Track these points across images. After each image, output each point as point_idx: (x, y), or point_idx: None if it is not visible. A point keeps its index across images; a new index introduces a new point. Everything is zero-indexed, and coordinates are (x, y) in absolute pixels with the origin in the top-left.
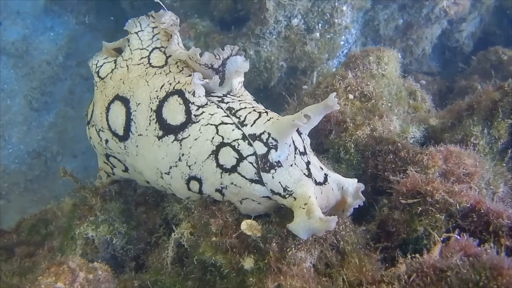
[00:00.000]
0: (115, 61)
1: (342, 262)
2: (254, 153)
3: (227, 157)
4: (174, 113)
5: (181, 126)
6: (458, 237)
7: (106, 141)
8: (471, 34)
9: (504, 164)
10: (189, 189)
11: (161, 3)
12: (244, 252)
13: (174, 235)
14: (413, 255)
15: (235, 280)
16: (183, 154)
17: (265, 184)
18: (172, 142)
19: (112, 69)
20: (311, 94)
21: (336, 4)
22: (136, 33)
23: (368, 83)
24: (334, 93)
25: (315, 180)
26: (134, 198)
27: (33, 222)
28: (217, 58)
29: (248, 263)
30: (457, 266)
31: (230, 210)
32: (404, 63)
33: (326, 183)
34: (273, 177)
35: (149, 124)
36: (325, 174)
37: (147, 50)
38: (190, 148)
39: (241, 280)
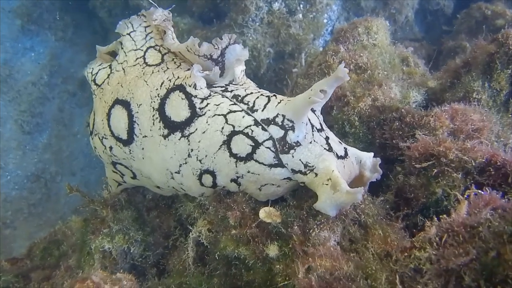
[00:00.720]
0: (110, 66)
1: (366, 236)
2: (271, 137)
3: (241, 146)
4: (177, 109)
5: (186, 122)
6: (481, 192)
7: (111, 148)
8: None
9: (510, 115)
10: (202, 184)
11: (152, 2)
12: (266, 240)
13: (192, 234)
14: (441, 216)
15: (261, 270)
16: (192, 150)
17: (286, 165)
18: (179, 139)
19: (108, 74)
20: (304, 75)
21: None
22: (129, 34)
23: (361, 54)
24: (343, 63)
25: (336, 154)
26: (145, 204)
27: (44, 245)
28: (216, 48)
29: (272, 250)
30: (487, 221)
31: (245, 200)
32: (390, 32)
33: (347, 157)
34: (293, 156)
35: (153, 124)
36: (344, 148)
37: (142, 50)
38: (199, 142)
39: (268, 269)
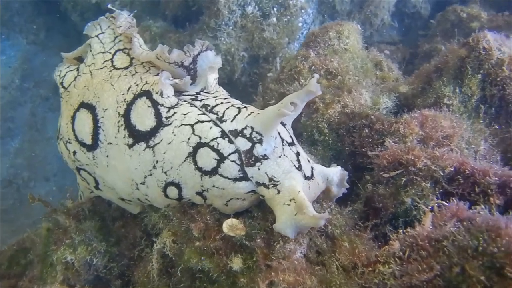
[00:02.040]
0: (77, 69)
1: (333, 247)
2: (237, 150)
3: (206, 159)
4: (142, 117)
5: (151, 132)
6: (446, 203)
7: (74, 152)
8: None
9: (481, 121)
10: (167, 196)
11: (112, 7)
12: (230, 253)
13: (157, 245)
14: (405, 230)
15: (226, 283)
16: (157, 161)
17: (251, 178)
18: (144, 150)
19: (75, 77)
20: (276, 80)
21: None
22: (97, 36)
23: (332, 59)
24: (316, 76)
25: (304, 174)
26: (110, 213)
27: (12, 253)
28: (187, 55)
29: (236, 263)
30: (452, 234)
31: (209, 211)
32: (366, 36)
33: (313, 177)
34: (259, 169)
35: (118, 131)
36: (311, 167)
37: (110, 53)
38: (164, 153)
39: (232, 282)
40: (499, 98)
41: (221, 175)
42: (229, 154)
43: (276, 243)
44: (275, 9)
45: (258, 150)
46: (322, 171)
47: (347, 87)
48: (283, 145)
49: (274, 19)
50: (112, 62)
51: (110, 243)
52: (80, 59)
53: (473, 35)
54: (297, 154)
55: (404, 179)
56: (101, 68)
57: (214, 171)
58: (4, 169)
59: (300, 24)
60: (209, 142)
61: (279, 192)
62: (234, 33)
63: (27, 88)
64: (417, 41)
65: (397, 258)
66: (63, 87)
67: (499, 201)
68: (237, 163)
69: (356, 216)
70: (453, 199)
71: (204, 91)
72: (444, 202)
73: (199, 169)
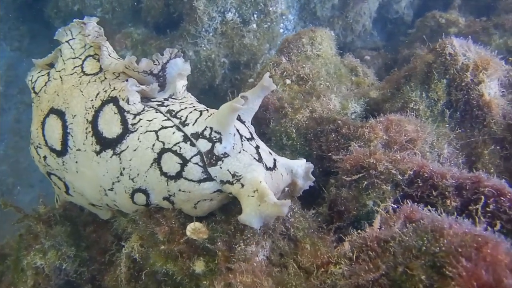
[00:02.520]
0: (48, 74)
1: (295, 250)
2: (198, 152)
3: (170, 164)
4: (109, 124)
5: (118, 139)
6: (394, 206)
7: (45, 157)
8: (410, 3)
9: (447, 125)
10: (134, 202)
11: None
12: (194, 256)
13: (125, 249)
14: (358, 231)
15: (189, 286)
16: (124, 168)
17: (214, 178)
18: (111, 157)
19: (46, 82)
20: (252, 86)
21: None
22: (67, 41)
23: (304, 65)
24: (268, 73)
25: (265, 165)
26: (82, 218)
27: None
28: (156, 64)
29: (199, 266)
30: (399, 235)
31: (175, 215)
32: (347, 41)
33: (275, 168)
34: (221, 167)
35: (86, 137)
36: (274, 159)
37: (80, 58)
38: (130, 160)
39: (195, 285)
40: (464, 102)
41: (185, 179)
42: (192, 157)
43: (237, 245)
44: (255, 15)
45: (218, 149)
46: (286, 163)
47: (317, 92)
48: (242, 141)
49: (254, 25)
50: (82, 68)
51: (81, 248)
52: (51, 66)
53: (439, 41)
54: (257, 147)
55: (365, 182)
56: (71, 74)
57: (178, 175)
58: None
59: (281, 31)
60: (172, 147)
61: (243, 186)
62: (214, 39)
63: (12, 95)
64: (398, 47)
65: (347, 259)
66: (34, 92)
67: (456, 203)
68: (199, 165)
69: (320, 219)
70: (407, 200)
71: (172, 97)
72: (392, 205)
73: (164, 174)
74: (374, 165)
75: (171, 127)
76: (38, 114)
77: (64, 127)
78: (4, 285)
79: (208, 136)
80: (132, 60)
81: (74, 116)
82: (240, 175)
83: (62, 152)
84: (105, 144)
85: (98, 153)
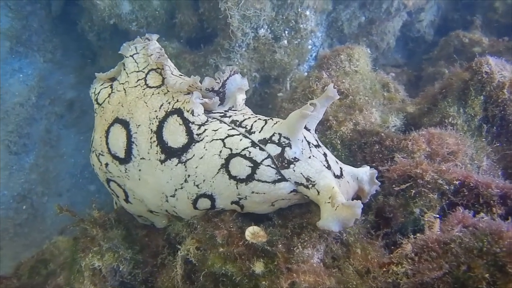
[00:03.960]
0: (111, 86)
1: (347, 253)
2: (269, 156)
3: (239, 167)
4: (174, 135)
5: (183, 148)
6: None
7: (107, 164)
8: (431, 23)
9: (484, 139)
10: (196, 208)
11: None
12: (253, 258)
13: (181, 252)
14: (416, 235)
15: (248, 286)
16: (189, 175)
17: (289, 179)
18: (176, 165)
19: (109, 94)
20: (289, 100)
21: (299, 10)
22: (132, 56)
23: (343, 80)
24: (332, 84)
25: (334, 173)
26: (134, 222)
27: (32, 264)
28: (218, 82)
29: (258, 267)
30: (459, 237)
31: (232, 219)
32: (372, 59)
33: (342, 176)
34: (294, 170)
35: (151, 147)
36: (340, 167)
37: (143, 72)
38: (196, 168)
39: (254, 285)
40: (500, 118)
41: (259, 180)
42: (263, 160)
43: (295, 248)
44: (286, 32)
45: (289, 153)
46: (351, 171)
47: (358, 106)
48: (310, 147)
49: (285, 41)
50: (145, 80)
51: (135, 251)
52: (112, 80)
53: (475, 59)
54: (325, 155)
55: (413, 191)
56: (135, 86)
57: (250, 178)
58: (18, 184)
59: (309, 47)
60: (241, 151)
61: (319, 193)
62: (246, 54)
63: (43, 106)
64: (420, 65)
65: (409, 259)
66: (98, 103)
67: (501, 211)
68: (272, 167)
69: (368, 226)
70: (459, 207)
71: (232, 109)
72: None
73: (233, 178)
74: (421, 175)
75: (237, 135)
76: (102, 123)
77: (129, 136)
78: (52, 287)
79: (277, 141)
80: (196, 80)
81: (139, 126)
82: (314, 181)
83: (125, 159)
84: (170, 153)
85: (163, 161)
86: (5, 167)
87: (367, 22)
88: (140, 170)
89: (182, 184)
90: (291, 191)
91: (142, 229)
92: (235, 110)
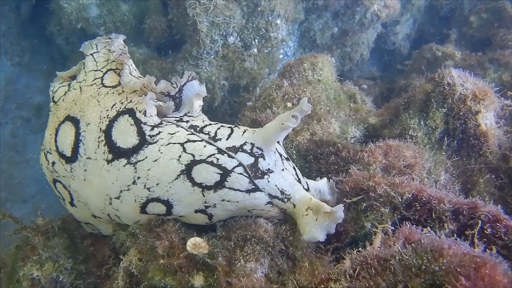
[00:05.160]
0: (69, 85)
1: (293, 268)
2: (240, 164)
3: (206, 174)
4: (125, 135)
5: (134, 149)
6: (392, 228)
7: (53, 163)
8: (407, 36)
9: (444, 153)
10: (144, 212)
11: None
12: (193, 270)
13: (123, 263)
14: (358, 249)
15: None
16: (138, 177)
17: (262, 189)
18: (124, 166)
19: (65, 92)
20: (252, 108)
21: (270, 18)
22: (92, 54)
23: (305, 89)
24: (306, 98)
25: (303, 186)
26: (80, 231)
27: None
28: (174, 86)
29: (198, 281)
30: (399, 253)
31: (175, 230)
32: (345, 70)
33: (309, 190)
34: (268, 181)
35: (98, 146)
36: (306, 181)
37: (101, 71)
38: (148, 170)
39: None
40: (461, 131)
41: (230, 188)
42: (234, 167)
43: (237, 261)
44: (256, 40)
45: (263, 164)
46: (314, 185)
47: (317, 116)
48: (282, 160)
49: (255, 50)
50: (102, 80)
51: (78, 261)
52: (73, 78)
53: (438, 70)
54: (294, 168)
55: (364, 204)
56: (91, 84)
57: (219, 185)
58: None
59: (281, 56)
60: (206, 158)
61: (295, 206)
62: (215, 62)
63: (9, 110)
64: (395, 77)
65: (347, 276)
66: (54, 101)
67: (453, 227)
68: (245, 175)
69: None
70: (406, 222)
71: (188, 115)
72: (389, 227)
73: (198, 185)
74: (374, 188)
75: (200, 141)
76: (54, 121)
77: (77, 134)
78: None
79: (249, 151)
80: (151, 80)
81: (88, 124)
82: (289, 194)
83: (71, 158)
84: (119, 153)
85: (109, 161)
86: None
87: (340, 33)
88: (85, 170)
89: (129, 186)
90: (267, 203)
91: (88, 238)
92: (191, 116)
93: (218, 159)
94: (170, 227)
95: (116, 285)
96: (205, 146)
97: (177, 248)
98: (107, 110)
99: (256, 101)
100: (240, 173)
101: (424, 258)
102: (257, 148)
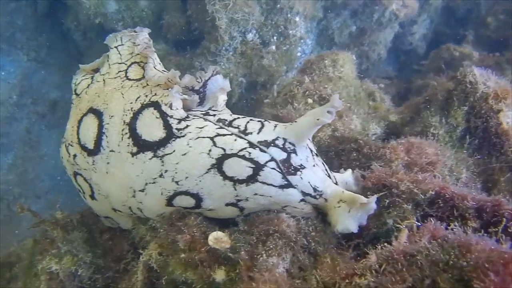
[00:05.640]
0: (92, 77)
1: (315, 264)
2: (272, 159)
3: (237, 168)
4: (150, 128)
5: (160, 142)
6: (418, 224)
7: (75, 156)
8: (423, 36)
9: (465, 151)
10: (170, 204)
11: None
12: (214, 265)
13: (142, 257)
14: (383, 245)
15: None
16: (166, 171)
17: (296, 186)
18: (150, 159)
19: (88, 85)
20: (271, 104)
21: (289, 15)
22: (116, 47)
23: (326, 86)
24: (337, 94)
25: (333, 181)
26: (98, 225)
27: None
28: (199, 81)
29: (219, 275)
30: (426, 249)
31: (197, 224)
32: (362, 69)
33: (337, 184)
34: (301, 178)
35: (122, 139)
36: (333, 175)
37: (126, 64)
38: (176, 164)
39: None
40: (483, 130)
41: (263, 183)
42: (266, 162)
43: (259, 256)
44: (275, 37)
45: (295, 159)
46: (341, 178)
47: (339, 112)
48: (312, 155)
49: (274, 47)
50: (126, 72)
51: (96, 255)
52: (96, 71)
53: (460, 69)
54: (323, 164)
55: (387, 201)
56: (115, 77)
57: (251, 179)
58: None
59: (298, 54)
60: (238, 152)
61: (326, 200)
62: (233, 58)
63: (24, 105)
64: (411, 77)
65: (373, 271)
66: (76, 93)
67: (476, 224)
68: (277, 171)
69: (339, 236)
70: (431, 219)
71: (212, 109)
72: (416, 223)
73: (229, 178)
74: (396, 184)
75: (230, 135)
76: (76, 113)
77: (100, 126)
78: None
79: (281, 146)
80: (175, 74)
81: (112, 116)
82: (321, 191)
83: (93, 151)
84: (144, 146)
85: (134, 154)
86: None
87: (358, 31)
88: (108, 163)
89: (155, 179)
90: (301, 200)
91: (107, 232)
92: (216, 110)
93: (250, 153)
94: (192, 221)
95: (135, 279)
96: (235, 140)
97: (198, 242)
98: (131, 103)
99: (277, 97)
100: (273, 168)
101: (452, 253)
102: (290, 143)
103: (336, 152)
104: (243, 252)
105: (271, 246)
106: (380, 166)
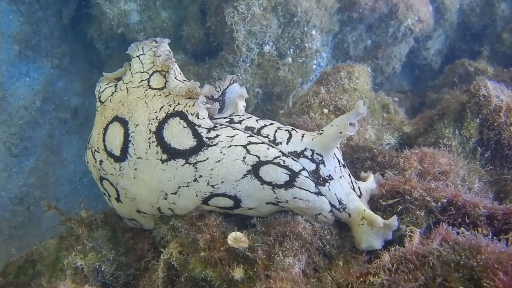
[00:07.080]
0: (115, 85)
1: (329, 265)
2: (304, 169)
3: (274, 174)
4: (179, 137)
5: (192, 150)
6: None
7: (101, 162)
8: (438, 51)
9: (477, 162)
10: (206, 204)
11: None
12: (233, 263)
13: (163, 256)
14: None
15: None
16: (200, 176)
17: (325, 196)
18: (183, 165)
19: (112, 93)
20: (287, 114)
21: (305, 29)
22: (138, 56)
23: (341, 97)
24: (361, 101)
25: (356, 194)
26: (121, 225)
27: (20, 263)
28: (218, 90)
29: (238, 273)
30: (437, 250)
31: (216, 224)
32: (376, 83)
33: (361, 195)
34: (329, 189)
35: (149, 147)
36: (358, 186)
37: (148, 73)
38: (211, 170)
39: None
40: (495, 142)
41: (300, 188)
42: (300, 170)
43: (276, 256)
44: (291, 50)
45: (323, 170)
46: (365, 187)
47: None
48: (340, 166)
49: (290, 59)
50: (148, 82)
51: (119, 253)
52: (118, 80)
53: (474, 82)
54: (349, 175)
55: (400, 207)
56: (138, 86)
57: (289, 184)
58: (17, 187)
59: (314, 66)
60: (273, 159)
61: (350, 215)
62: (250, 69)
63: (47, 110)
64: (425, 91)
65: (386, 270)
66: (100, 101)
67: (487, 231)
68: (310, 179)
69: (353, 240)
70: (443, 223)
71: (234, 114)
72: (418, 230)
73: (268, 183)
74: (409, 192)
75: (261, 143)
76: (101, 120)
77: (126, 134)
78: (35, 287)
79: (310, 157)
80: (195, 85)
81: (137, 125)
82: (345, 205)
83: (120, 158)
84: (175, 154)
85: (164, 161)
86: (5, 169)
87: (374, 45)
88: (136, 169)
89: (189, 183)
90: (330, 211)
91: (129, 231)
92: (238, 115)
93: (284, 161)
94: (212, 222)
95: (156, 277)
96: (268, 149)
97: (218, 242)
98: (156, 112)
99: (293, 107)
100: (307, 177)
101: (462, 254)
102: (317, 154)
103: (351, 160)
104: (260, 252)
105: (287, 247)
106: (394, 174)
